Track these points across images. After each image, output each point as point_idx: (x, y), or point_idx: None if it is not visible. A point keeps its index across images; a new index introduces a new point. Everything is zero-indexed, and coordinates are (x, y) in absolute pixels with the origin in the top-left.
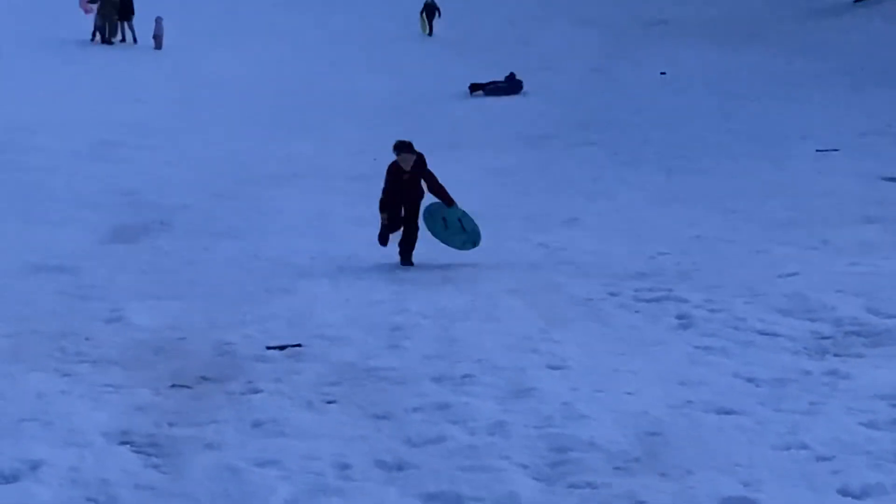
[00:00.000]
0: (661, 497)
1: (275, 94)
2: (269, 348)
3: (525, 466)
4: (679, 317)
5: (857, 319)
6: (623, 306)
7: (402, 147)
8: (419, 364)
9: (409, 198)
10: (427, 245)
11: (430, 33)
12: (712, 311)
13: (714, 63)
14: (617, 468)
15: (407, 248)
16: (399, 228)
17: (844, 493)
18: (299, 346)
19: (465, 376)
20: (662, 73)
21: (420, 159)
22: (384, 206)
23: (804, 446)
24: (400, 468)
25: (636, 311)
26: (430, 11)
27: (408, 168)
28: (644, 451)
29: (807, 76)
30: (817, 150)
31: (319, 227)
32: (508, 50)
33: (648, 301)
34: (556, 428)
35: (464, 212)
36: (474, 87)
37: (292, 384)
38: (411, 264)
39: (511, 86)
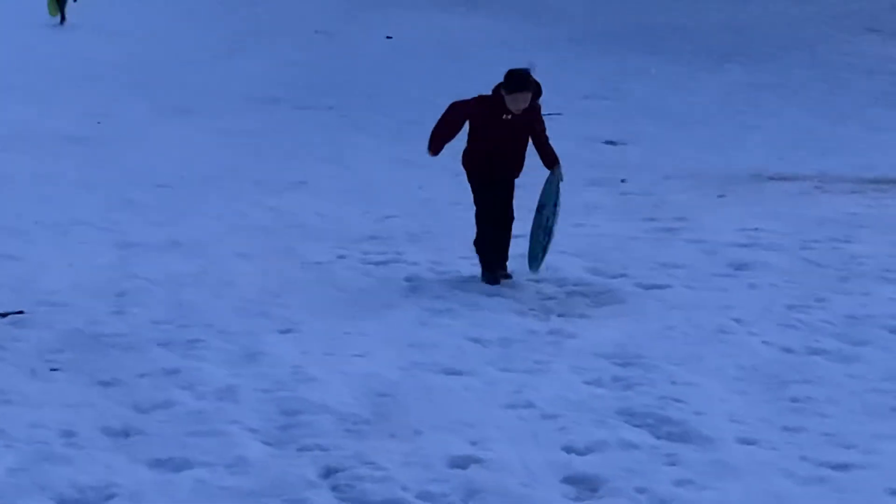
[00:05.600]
0: (391, 458)
1: None
2: None
3: (254, 430)
4: (408, 279)
5: (581, 280)
6: (353, 269)
7: (516, 81)
8: (147, 329)
9: (505, 159)
10: (150, 207)
11: (63, 21)
12: (440, 273)
13: (441, 27)
14: (347, 430)
15: (497, 248)
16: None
17: (569, 449)
18: (21, 312)
19: (193, 341)
20: (388, 38)
21: (537, 93)
22: (438, 140)
23: (530, 405)
24: (127, 434)
25: (366, 275)
26: None
27: (518, 110)
28: (374, 413)
29: (533, 40)
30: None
31: (43, 191)
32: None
33: (378, 264)
34: (286, 391)
35: (559, 190)
36: None
37: (15, 352)
38: (508, 276)
39: None
